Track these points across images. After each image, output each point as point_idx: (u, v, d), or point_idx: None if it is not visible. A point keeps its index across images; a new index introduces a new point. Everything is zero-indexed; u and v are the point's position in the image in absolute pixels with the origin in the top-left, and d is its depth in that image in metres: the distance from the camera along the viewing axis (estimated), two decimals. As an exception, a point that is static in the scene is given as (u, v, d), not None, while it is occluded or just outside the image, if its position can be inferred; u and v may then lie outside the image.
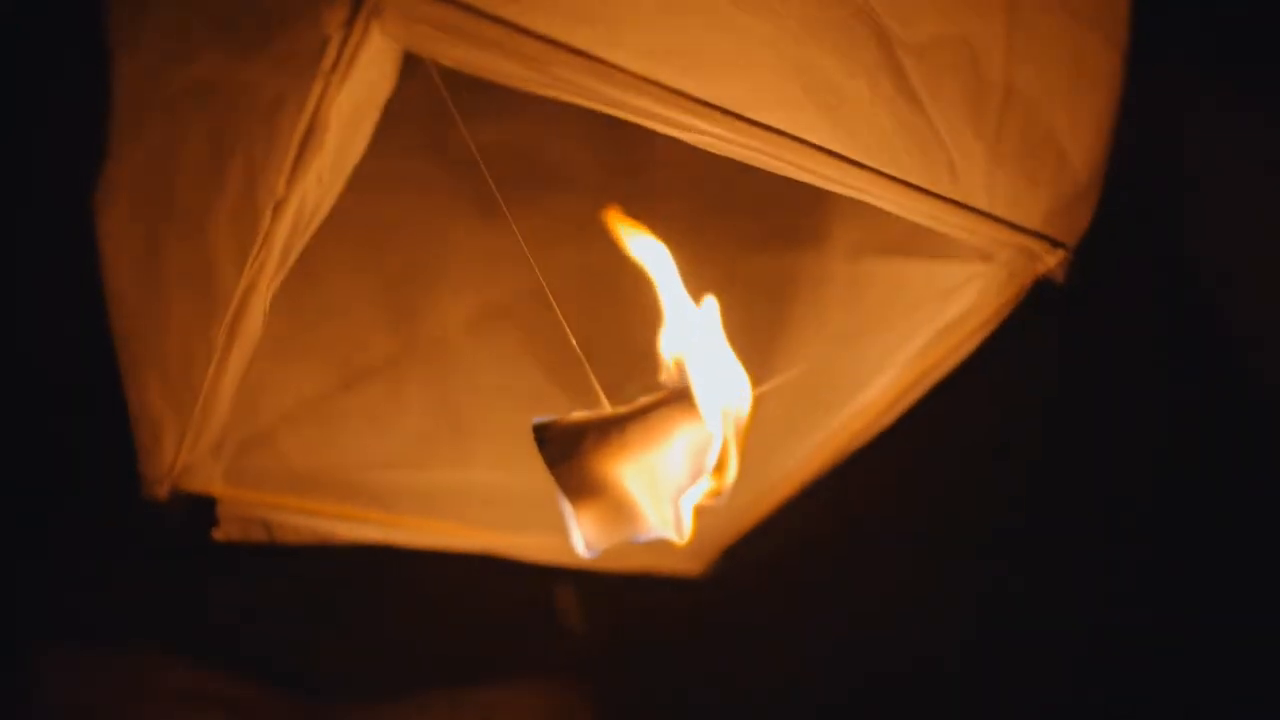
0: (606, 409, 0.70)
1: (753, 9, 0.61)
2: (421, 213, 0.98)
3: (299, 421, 0.82)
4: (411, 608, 0.98)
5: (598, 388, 0.71)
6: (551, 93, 0.55)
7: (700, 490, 0.69)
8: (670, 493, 0.68)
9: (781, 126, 0.61)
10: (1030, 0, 0.70)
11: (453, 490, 0.86)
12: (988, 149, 0.68)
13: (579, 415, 0.69)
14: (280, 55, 0.57)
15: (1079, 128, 0.72)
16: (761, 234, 1.02)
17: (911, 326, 0.78)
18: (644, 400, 0.69)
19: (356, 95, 0.55)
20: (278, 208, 0.58)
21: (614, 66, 0.55)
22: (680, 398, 0.68)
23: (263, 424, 0.82)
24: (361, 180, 0.67)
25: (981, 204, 0.67)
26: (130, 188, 0.75)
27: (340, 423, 0.86)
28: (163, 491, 0.73)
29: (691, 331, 0.73)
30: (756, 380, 0.86)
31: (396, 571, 0.94)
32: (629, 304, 0.88)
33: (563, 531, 0.80)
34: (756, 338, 0.94)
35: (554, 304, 0.73)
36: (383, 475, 0.84)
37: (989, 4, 0.69)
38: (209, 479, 0.75)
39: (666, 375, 0.73)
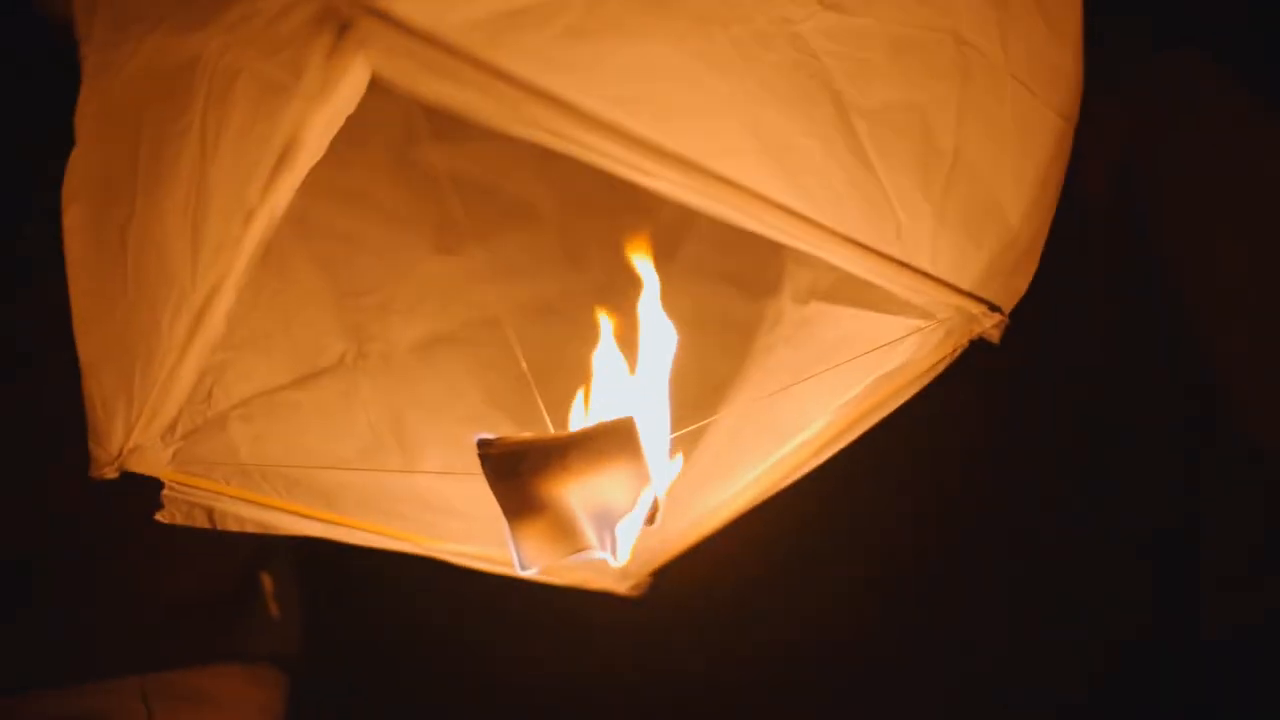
0: (550, 432, 0.72)
1: (718, 67, 0.64)
2: (381, 232, 1.01)
3: (250, 414, 0.84)
4: (111, 589, 1.01)
5: (542, 408, 0.74)
6: (521, 132, 0.57)
7: (637, 516, 0.72)
8: (608, 517, 0.71)
9: (739, 179, 0.64)
10: (983, 72, 0.74)
11: (396, 496, 0.88)
12: (935, 212, 0.71)
13: (522, 436, 0.71)
14: (258, 69, 0.59)
15: (1023, 196, 0.75)
16: (720, 272, 1.05)
17: (851, 374, 0.81)
18: (587, 426, 0.71)
19: (329, 114, 0.57)
20: (249, 216, 0.60)
21: (583, 113, 0.57)
22: (622, 426, 0.70)
23: (214, 413, 0.84)
24: (327, 192, 0.69)
25: (925, 265, 0.71)
26: (92, 178, 0.77)
27: (290, 419, 0.87)
28: (112, 472, 0.74)
29: (638, 365, 0.76)
30: (700, 414, 0.90)
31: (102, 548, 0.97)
32: (578, 337, 0.91)
33: (503, 544, 0.83)
34: (706, 372, 0.98)
35: (510, 332, 0.75)
36: (328, 474, 0.86)
37: (943, 74, 0.72)
38: (157, 462, 0.77)
39: (609, 405, 0.77)
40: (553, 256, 1.07)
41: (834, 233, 0.66)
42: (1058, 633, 1.10)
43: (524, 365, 0.76)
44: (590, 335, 0.81)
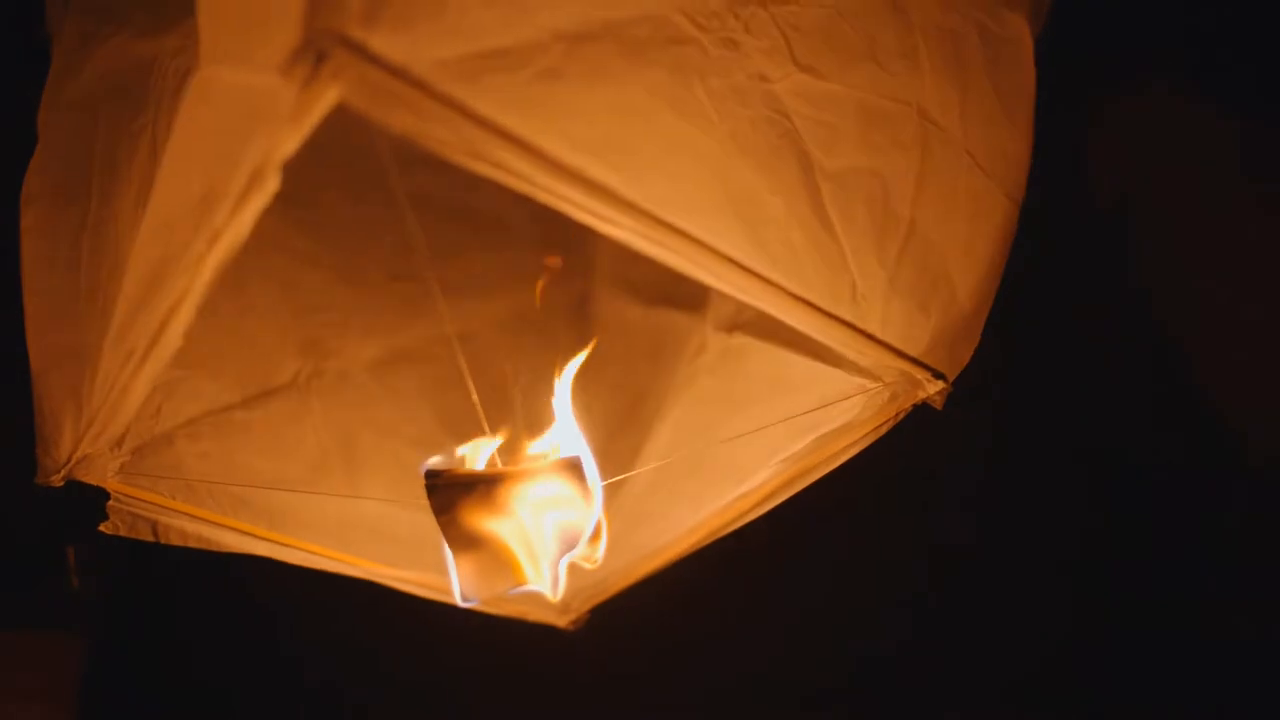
0: (497, 466, 0.73)
1: (689, 117, 0.66)
2: (342, 250, 1.01)
3: (199, 430, 0.84)
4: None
5: (486, 427, 0.75)
6: (484, 171, 0.58)
7: (575, 554, 0.73)
8: (548, 553, 0.72)
9: (699, 231, 0.65)
10: (942, 148, 0.76)
11: (340, 519, 0.89)
12: (888, 277, 0.73)
13: (469, 469, 0.72)
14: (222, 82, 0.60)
15: (971, 269, 0.78)
16: (639, 281, 1.07)
17: (791, 428, 0.83)
18: (533, 464, 0.72)
19: (299, 140, 0.58)
20: (215, 236, 0.61)
21: (546, 156, 0.59)
22: (568, 465, 0.71)
23: (163, 427, 0.84)
24: (284, 208, 0.70)
25: (875, 329, 0.73)
26: (50, 180, 0.78)
27: (239, 438, 0.87)
28: (58, 481, 0.74)
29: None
30: (627, 428, 0.91)
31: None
32: (541, 357, 0.92)
33: (444, 571, 0.83)
34: (629, 385, 0.99)
35: (460, 353, 0.76)
36: (274, 495, 0.86)
37: (906, 146, 0.75)
38: (104, 473, 0.77)
39: (557, 442, 0.78)
40: (525, 271, 1.07)
41: (791, 294, 0.68)
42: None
43: (473, 394, 0.77)
44: (550, 357, 0.82)
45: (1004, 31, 0.83)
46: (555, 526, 0.72)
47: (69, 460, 0.74)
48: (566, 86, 0.61)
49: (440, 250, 1.01)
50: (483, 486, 0.71)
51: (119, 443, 0.78)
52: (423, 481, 0.87)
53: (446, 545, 0.73)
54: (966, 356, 0.77)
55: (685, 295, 1.02)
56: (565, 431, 0.74)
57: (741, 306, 0.96)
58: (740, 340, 0.93)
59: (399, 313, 1.01)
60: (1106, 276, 1.09)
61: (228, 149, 0.60)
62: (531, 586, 0.74)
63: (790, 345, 0.87)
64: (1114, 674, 1.11)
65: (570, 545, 0.72)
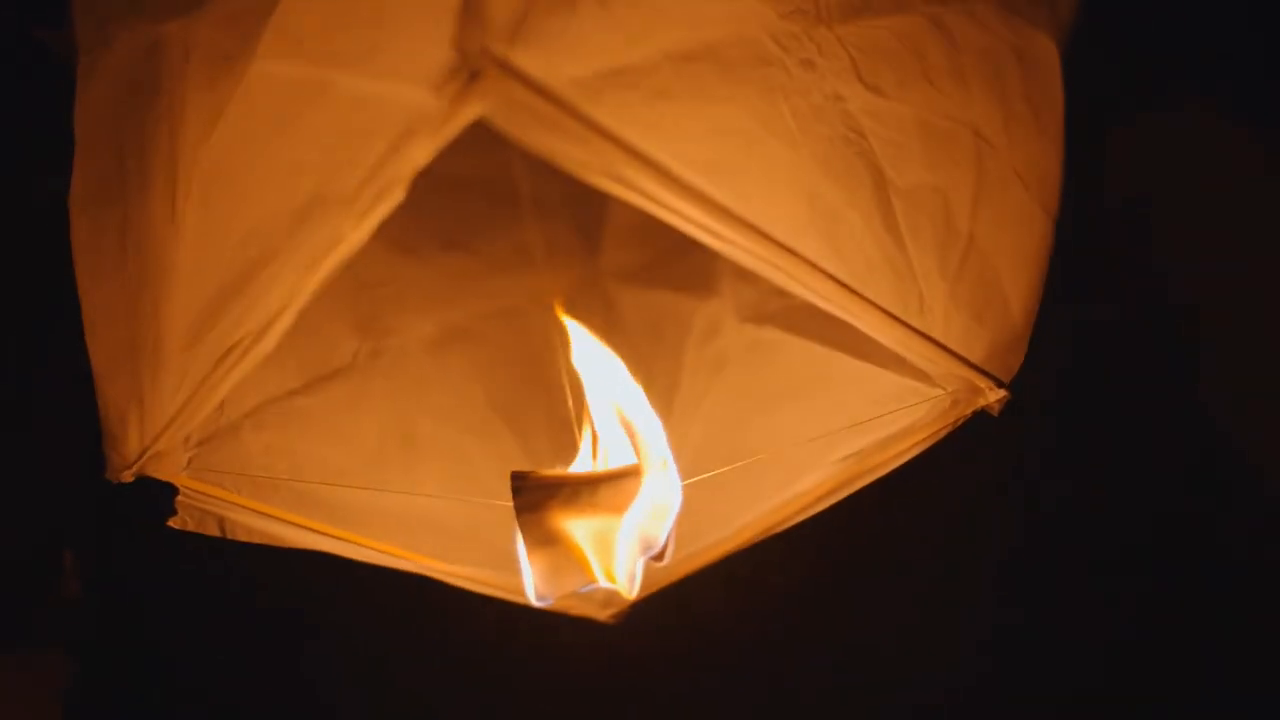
0: (582, 469, 0.75)
1: (779, 136, 0.69)
2: (393, 227, 1.00)
3: (263, 420, 0.84)
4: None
5: (577, 430, 0.76)
6: (618, 192, 0.60)
7: (650, 554, 0.75)
8: (629, 553, 0.74)
9: (787, 242, 0.68)
10: (994, 165, 0.80)
11: (398, 512, 0.89)
12: (949, 289, 0.77)
13: (555, 471, 0.74)
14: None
15: (1019, 282, 0.82)
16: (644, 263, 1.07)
17: (847, 429, 0.86)
18: (617, 468, 0.74)
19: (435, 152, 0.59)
20: (336, 240, 0.61)
21: (671, 175, 0.61)
22: (651, 469, 0.74)
23: (228, 418, 0.83)
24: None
25: (940, 337, 0.76)
26: (89, 183, 0.77)
27: (301, 426, 0.88)
28: (129, 477, 0.74)
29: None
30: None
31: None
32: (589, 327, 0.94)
33: (495, 566, 0.85)
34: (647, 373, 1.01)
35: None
36: (334, 490, 0.86)
37: (962, 163, 0.78)
38: (175, 468, 0.77)
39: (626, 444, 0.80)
40: (568, 245, 1.08)
41: (871, 303, 0.71)
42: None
43: (570, 403, 0.79)
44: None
45: (1034, 50, 0.87)
46: (635, 528, 0.74)
47: (140, 456, 0.74)
48: (675, 106, 0.63)
49: (489, 224, 1.01)
50: (568, 490, 0.73)
51: (187, 437, 0.78)
52: (475, 471, 0.90)
53: (521, 544, 0.75)
54: (1017, 366, 0.81)
55: (687, 277, 1.03)
56: (649, 434, 0.76)
57: (766, 298, 0.99)
58: (772, 334, 0.96)
59: (452, 287, 1.01)
60: (1128, 296, 1.14)
61: (350, 157, 0.61)
62: (603, 585, 0.76)
63: (828, 342, 0.90)
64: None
65: (649, 546, 0.74)
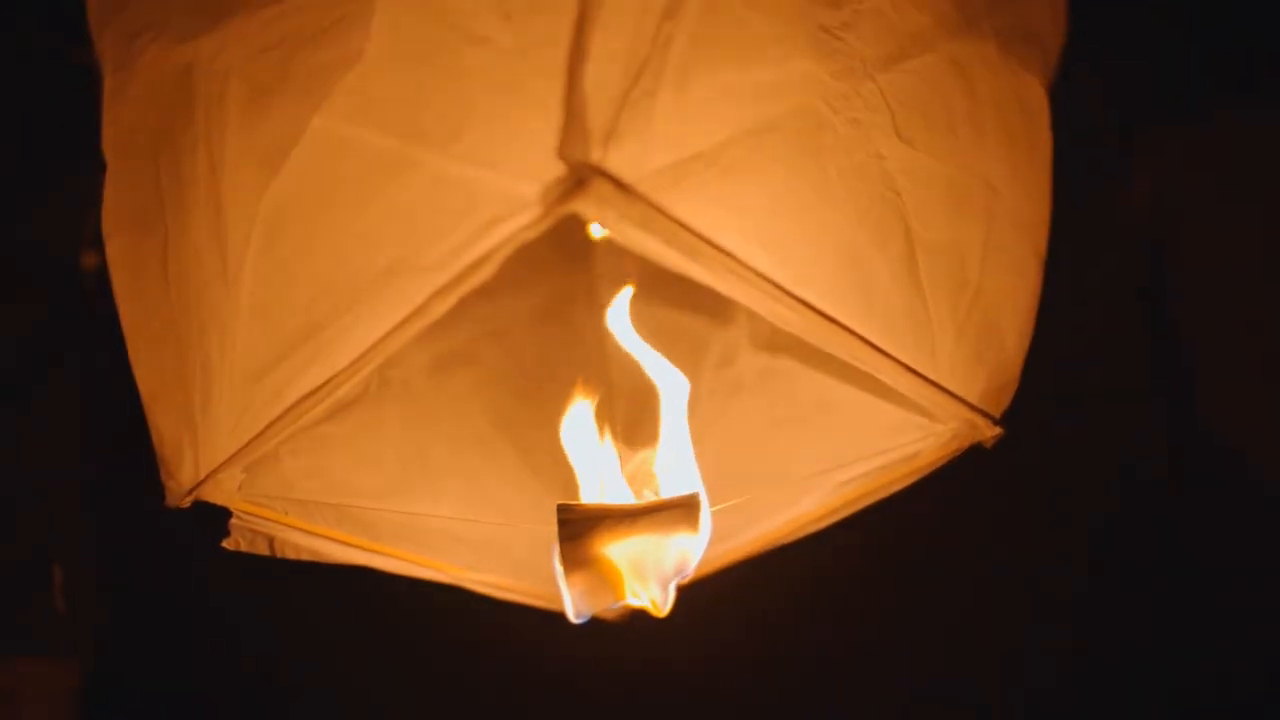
0: (625, 501, 0.81)
1: (825, 197, 0.73)
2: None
3: (298, 446, 0.87)
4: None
5: (620, 469, 0.82)
6: (693, 273, 0.64)
7: (682, 575, 0.82)
8: (663, 576, 0.80)
9: (828, 309, 0.73)
10: (1000, 215, 0.86)
11: (424, 527, 0.94)
12: (956, 334, 0.83)
13: (599, 503, 0.79)
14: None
15: (1016, 325, 0.88)
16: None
17: (850, 455, 0.92)
18: (658, 500, 0.80)
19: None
20: (417, 314, 0.64)
21: (734, 257, 0.65)
22: (691, 501, 0.80)
23: (268, 445, 0.86)
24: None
25: (946, 379, 0.83)
26: (124, 207, 0.79)
27: (329, 453, 0.90)
28: (186, 503, 0.77)
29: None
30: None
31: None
32: (585, 344, 0.97)
33: (519, 574, 0.91)
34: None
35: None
36: (368, 506, 0.90)
37: (974, 215, 0.84)
38: (229, 493, 0.80)
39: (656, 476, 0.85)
40: (547, 262, 1.11)
41: (895, 360, 0.77)
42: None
43: (611, 443, 0.84)
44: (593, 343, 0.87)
45: (1028, 94, 0.92)
46: (671, 552, 0.80)
47: (197, 483, 0.77)
48: (737, 181, 0.67)
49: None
50: (611, 520, 0.78)
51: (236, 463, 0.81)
52: (489, 491, 0.95)
53: (560, 568, 0.80)
54: (1007, 402, 0.88)
55: (705, 303, 1.07)
56: (681, 467, 0.81)
57: (780, 329, 1.04)
58: (785, 362, 1.01)
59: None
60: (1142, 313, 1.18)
61: (438, 232, 0.64)
62: (636, 603, 0.82)
63: (837, 374, 0.96)
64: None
65: (683, 569, 0.80)
